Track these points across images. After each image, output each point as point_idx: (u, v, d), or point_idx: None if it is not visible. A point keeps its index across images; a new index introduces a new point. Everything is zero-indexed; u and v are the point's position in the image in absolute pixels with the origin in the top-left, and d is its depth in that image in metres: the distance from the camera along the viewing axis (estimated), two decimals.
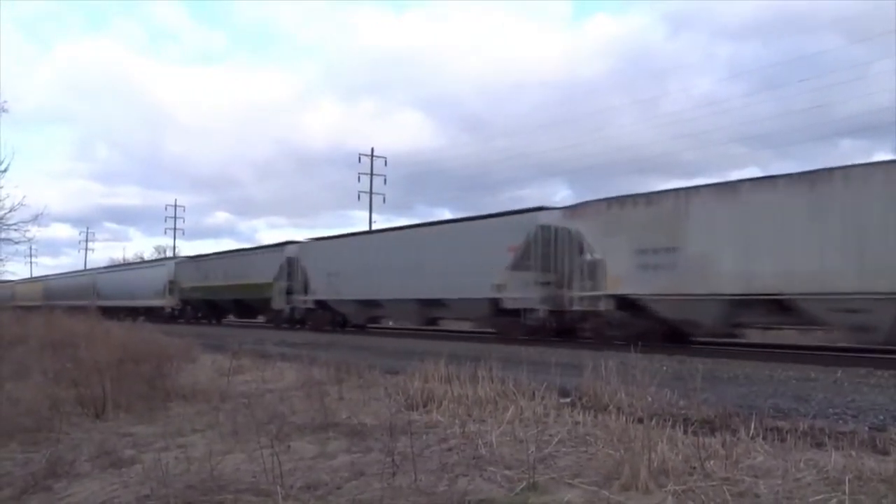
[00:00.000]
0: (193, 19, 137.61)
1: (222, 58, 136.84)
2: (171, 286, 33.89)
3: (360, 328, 23.37)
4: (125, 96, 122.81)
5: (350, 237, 25.36)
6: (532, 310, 15.57)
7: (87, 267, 65.84)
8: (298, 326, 24.29)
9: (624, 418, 4.28)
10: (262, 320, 29.79)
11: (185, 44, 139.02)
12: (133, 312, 33.29)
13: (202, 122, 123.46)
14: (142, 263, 40.76)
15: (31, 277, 63.24)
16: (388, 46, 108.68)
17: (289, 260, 25.12)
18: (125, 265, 46.93)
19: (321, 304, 23.39)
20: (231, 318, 32.80)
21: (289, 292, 24.64)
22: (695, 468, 3.35)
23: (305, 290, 23.99)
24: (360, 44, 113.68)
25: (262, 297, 26.26)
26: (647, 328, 13.41)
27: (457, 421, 4.80)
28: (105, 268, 50.61)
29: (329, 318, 23.19)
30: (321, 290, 23.20)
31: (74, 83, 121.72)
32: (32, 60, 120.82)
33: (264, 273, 26.27)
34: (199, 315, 32.87)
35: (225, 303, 30.67)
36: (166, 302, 33.94)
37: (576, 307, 14.67)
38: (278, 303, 25.12)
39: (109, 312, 33.86)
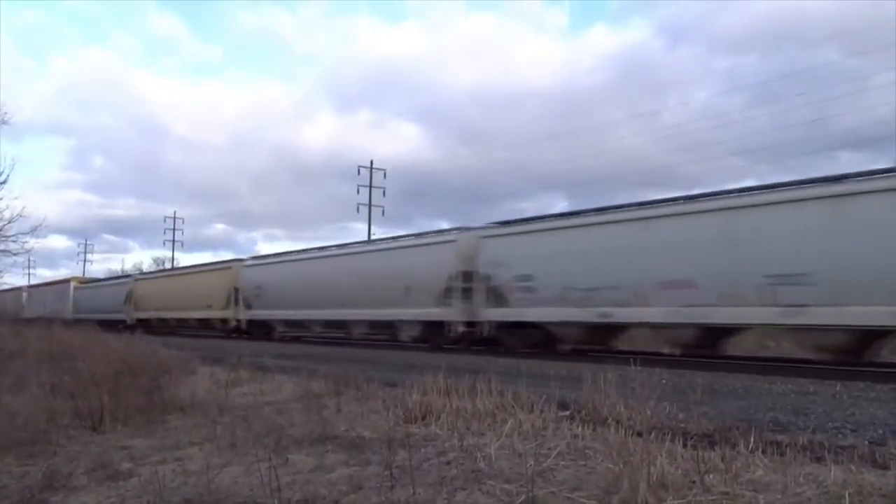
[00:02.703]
0: (190, 31, 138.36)
1: (219, 69, 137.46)
2: None
3: None
4: (122, 108, 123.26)
5: None
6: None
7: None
8: None
9: (623, 431, 4.27)
10: None
11: (182, 55, 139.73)
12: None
13: (199, 134, 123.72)
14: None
15: (207, 263, 32.32)
16: (385, 57, 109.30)
17: None
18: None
19: None
20: None
21: None
22: (694, 482, 3.34)
23: None
24: (356, 54, 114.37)
25: None
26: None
27: (455, 434, 4.78)
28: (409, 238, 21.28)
29: None
30: None
31: (70, 94, 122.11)
32: (28, 71, 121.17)
33: None
34: None
35: None
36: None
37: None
38: None
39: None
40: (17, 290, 51.54)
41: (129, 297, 35.46)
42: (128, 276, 42.14)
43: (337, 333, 23.05)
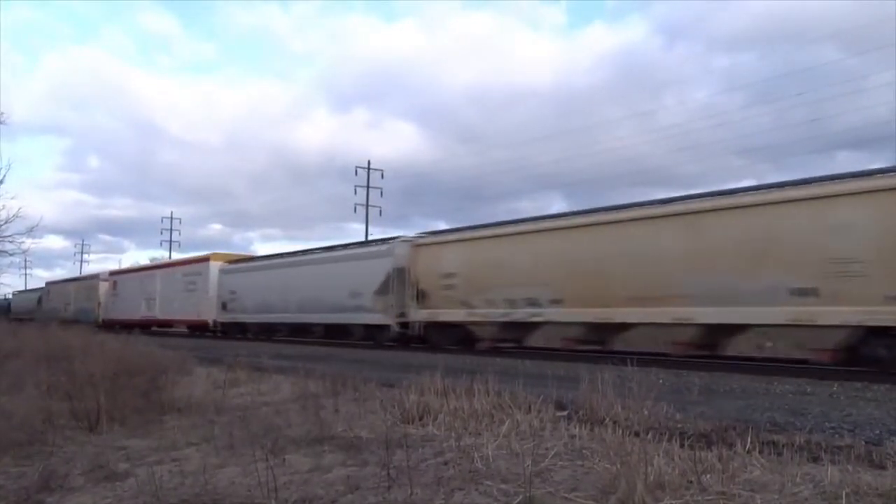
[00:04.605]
0: (184, 29, 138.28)
1: (214, 68, 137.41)
2: None
3: None
4: (116, 107, 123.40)
5: None
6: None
7: None
8: None
9: (620, 432, 4.27)
10: None
11: (176, 54, 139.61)
12: None
13: (195, 133, 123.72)
14: None
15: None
16: (381, 56, 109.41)
17: None
18: None
19: None
20: None
21: None
22: (691, 482, 3.34)
23: None
24: (352, 53, 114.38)
25: None
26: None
27: (453, 434, 4.78)
28: None
29: None
30: None
31: (65, 93, 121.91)
32: (21, 70, 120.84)
33: None
34: None
35: None
36: None
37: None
38: None
39: None
40: (90, 279, 34.90)
41: (390, 283, 18.26)
42: (381, 241, 20.82)
43: None
